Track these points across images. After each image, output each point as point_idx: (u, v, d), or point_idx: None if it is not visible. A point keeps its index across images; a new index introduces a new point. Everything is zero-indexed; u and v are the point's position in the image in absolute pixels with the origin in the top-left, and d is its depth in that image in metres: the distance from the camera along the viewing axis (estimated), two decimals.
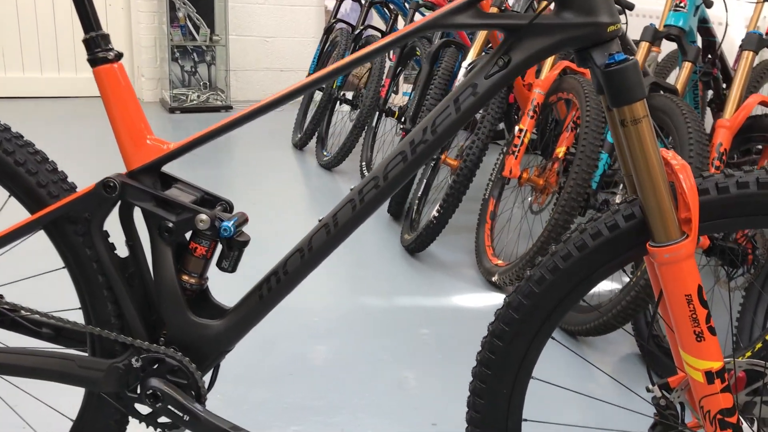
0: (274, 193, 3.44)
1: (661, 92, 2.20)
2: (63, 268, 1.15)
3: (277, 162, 4.01)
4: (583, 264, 1.00)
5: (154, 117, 4.93)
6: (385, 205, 3.14)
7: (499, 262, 2.53)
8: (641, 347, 2.03)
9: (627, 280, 1.99)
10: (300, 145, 4.21)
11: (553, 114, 2.97)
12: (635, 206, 0.97)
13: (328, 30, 4.17)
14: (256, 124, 4.76)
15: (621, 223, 0.98)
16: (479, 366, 1.08)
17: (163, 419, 1.14)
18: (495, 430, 1.09)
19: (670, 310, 0.95)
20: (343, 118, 4.13)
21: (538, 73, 2.74)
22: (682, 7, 2.21)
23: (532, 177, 2.53)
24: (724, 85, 2.62)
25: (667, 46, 2.66)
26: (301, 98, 4.46)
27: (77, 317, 1.17)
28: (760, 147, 2.20)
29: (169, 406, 1.10)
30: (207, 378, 1.17)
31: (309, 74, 4.22)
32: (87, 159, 3.52)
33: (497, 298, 2.40)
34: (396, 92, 4.18)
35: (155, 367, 1.11)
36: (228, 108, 5.23)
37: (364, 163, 3.51)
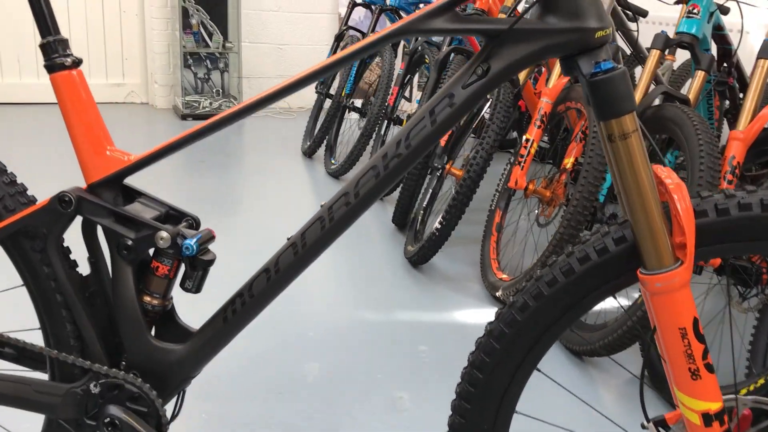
0: (279, 201, 3.38)
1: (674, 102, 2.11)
2: (22, 285, 1.09)
3: (285, 169, 3.95)
4: (570, 290, 0.92)
5: (166, 124, 4.90)
6: (390, 214, 3.07)
7: (504, 276, 2.44)
8: (644, 371, 1.93)
9: (637, 295, 1.90)
10: (309, 153, 4.15)
11: (565, 123, 2.88)
12: (626, 228, 0.88)
13: (339, 37, 4.11)
14: (268, 130, 4.74)
15: (611, 246, 0.90)
16: (458, 399, 1.00)
17: None
18: None
19: (663, 344, 0.86)
20: (351, 126, 4.07)
21: (548, 80, 2.66)
22: (695, 13, 2.11)
23: (538, 189, 2.44)
24: (741, 95, 2.52)
25: (684, 54, 2.56)
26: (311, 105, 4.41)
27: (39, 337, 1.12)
28: None
29: None
30: (173, 404, 1.10)
31: (320, 82, 4.18)
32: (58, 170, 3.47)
33: None
34: (409, 100, 4.10)
35: (115, 393, 1.05)
36: None
37: None
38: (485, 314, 2.33)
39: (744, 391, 1.66)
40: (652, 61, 2.17)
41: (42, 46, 1.00)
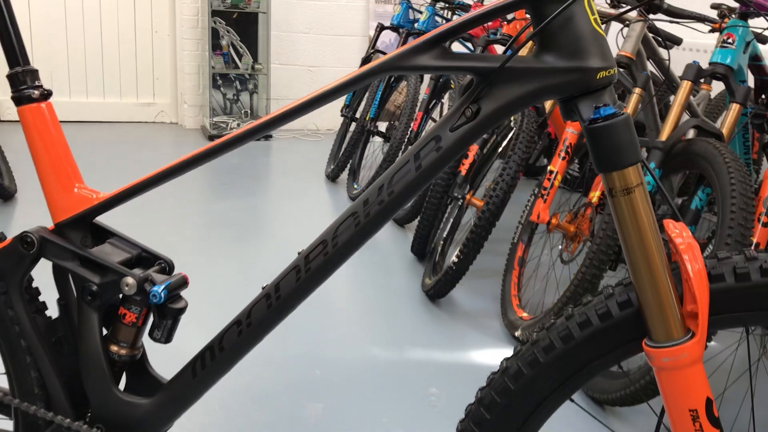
0: (297, 226, 3.32)
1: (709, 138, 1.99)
2: None
3: (308, 193, 3.89)
4: (568, 358, 0.82)
5: (193, 144, 4.90)
6: (409, 243, 2.97)
7: (524, 314, 2.33)
8: None
9: None
10: (332, 177, 4.09)
11: None
12: (632, 291, 0.78)
13: (366, 60, 4.06)
14: (294, 152, 4.67)
15: (614, 311, 0.80)
16: None
17: None
18: None
19: (672, 426, 0.76)
20: (376, 150, 4.00)
21: None
22: (729, 43, 2.00)
23: (562, 223, 2.33)
24: None
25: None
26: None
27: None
28: None
29: None
30: None
31: (345, 105, 4.13)
32: None
33: None
34: None
35: None
36: (268, 137, 5.16)
37: None
38: (502, 355, 2.22)
39: None
40: (683, 92, 2.05)
41: (9, 77, 0.95)
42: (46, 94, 0.97)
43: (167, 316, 0.95)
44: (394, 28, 3.94)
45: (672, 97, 2.33)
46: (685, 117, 2.26)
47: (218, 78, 5.25)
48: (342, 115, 4.15)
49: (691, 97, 2.26)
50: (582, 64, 0.74)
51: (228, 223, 3.31)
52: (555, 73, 0.75)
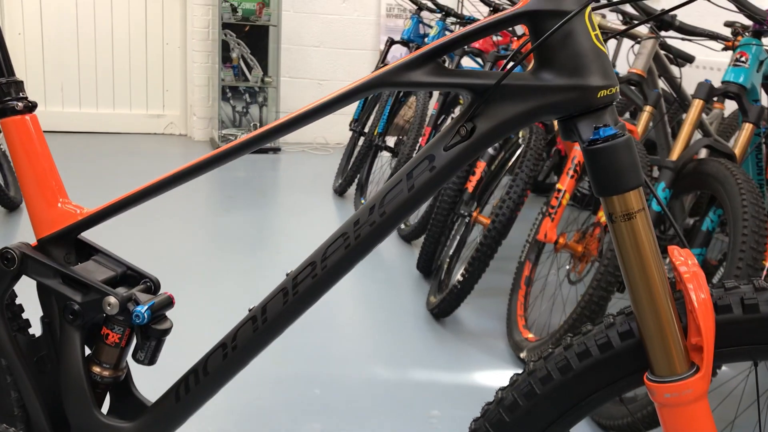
0: (302, 241, 3.29)
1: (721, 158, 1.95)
2: None
3: (314, 208, 3.86)
4: (566, 391, 0.78)
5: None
6: (415, 260, 2.93)
7: (530, 335, 2.28)
8: None
9: None
10: (340, 192, 4.06)
11: None
12: (634, 320, 0.74)
13: None
14: (303, 166, 4.65)
15: (615, 341, 0.76)
16: None
17: None
18: None
19: None
20: (384, 164, 3.97)
21: None
22: (742, 61, 1.95)
23: (569, 243, 2.28)
24: None
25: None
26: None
27: None
28: None
29: None
30: None
31: (354, 119, 4.11)
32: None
33: None
34: None
35: None
36: (276, 150, 5.15)
37: None
38: (508, 377, 2.17)
39: None
40: (695, 111, 2.01)
41: None
42: (31, 106, 0.94)
43: (151, 338, 0.91)
44: (404, 43, 3.92)
45: (684, 115, 2.30)
46: (698, 136, 2.21)
47: (228, 90, 5.25)
48: (350, 130, 4.13)
49: (704, 116, 2.21)
50: (582, 82, 0.70)
51: (232, 236, 3.28)
52: (554, 91, 0.71)
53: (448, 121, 3.55)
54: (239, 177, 4.33)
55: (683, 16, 2.18)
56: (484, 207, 2.67)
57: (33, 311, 1.01)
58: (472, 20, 3.61)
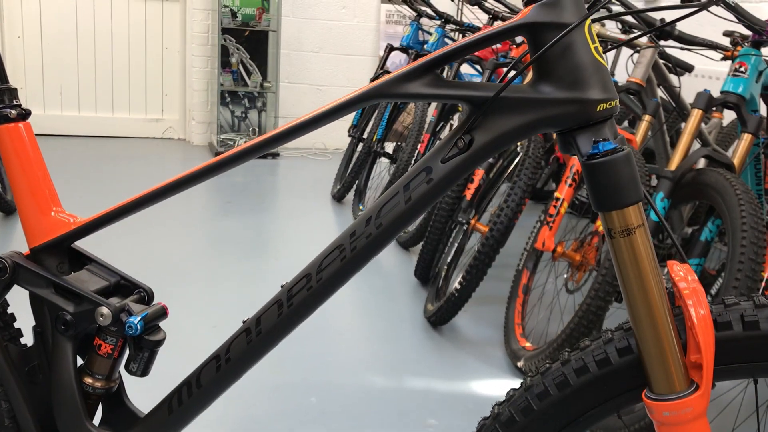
0: (300, 247, 3.28)
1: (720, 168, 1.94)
2: None
3: (313, 214, 3.85)
4: (563, 406, 0.77)
5: (200, 161, 4.87)
6: (413, 267, 2.92)
7: (528, 344, 2.27)
8: None
9: None
10: (338, 197, 4.05)
11: None
12: (632, 336, 0.73)
13: (374, 81, 4.03)
14: (302, 171, 4.62)
15: (613, 357, 0.75)
16: None
17: None
18: None
19: None
20: (382, 171, 3.96)
21: None
22: (741, 72, 1.95)
23: (567, 252, 2.28)
24: None
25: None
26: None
27: None
28: None
29: None
30: None
31: (353, 125, 4.10)
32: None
33: None
34: None
35: None
36: (275, 155, 5.14)
37: None
38: (505, 386, 2.16)
39: None
40: (694, 121, 2.00)
41: None
42: (24, 114, 0.93)
43: (144, 349, 0.90)
44: (403, 49, 3.92)
45: (683, 125, 2.29)
46: (696, 145, 2.21)
47: (227, 95, 5.25)
48: (349, 136, 4.12)
49: (703, 125, 2.21)
50: (581, 95, 0.69)
51: (230, 242, 3.27)
52: (552, 104, 0.71)
53: (447, 127, 3.55)
54: (237, 182, 4.32)
55: (682, 25, 2.18)
56: (483, 214, 2.66)
57: (25, 320, 1.00)
58: (471, 27, 3.61)
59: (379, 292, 2.82)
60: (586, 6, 0.71)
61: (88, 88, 5.14)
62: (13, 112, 0.92)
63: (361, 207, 3.75)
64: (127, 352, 0.93)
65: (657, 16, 2.57)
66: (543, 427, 0.78)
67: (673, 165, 2.00)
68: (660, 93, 2.51)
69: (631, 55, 2.46)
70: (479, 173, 2.60)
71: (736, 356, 0.70)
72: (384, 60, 4.05)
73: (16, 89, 0.93)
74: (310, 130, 0.83)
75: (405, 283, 2.92)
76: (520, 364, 2.20)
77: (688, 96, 2.51)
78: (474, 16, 3.97)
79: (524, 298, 2.44)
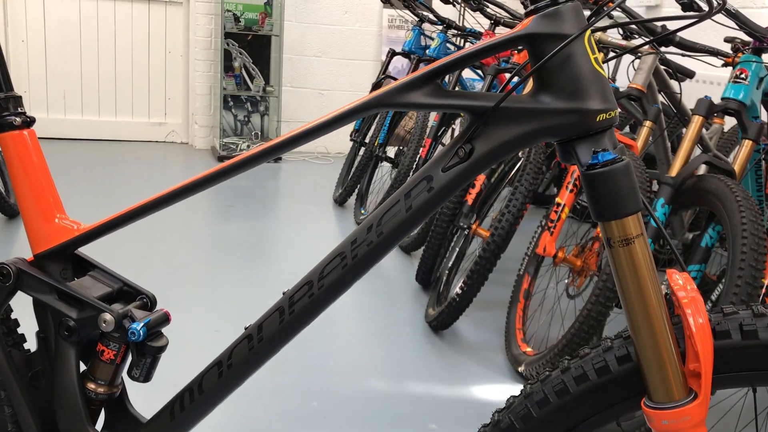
0: (301, 251, 3.28)
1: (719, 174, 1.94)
2: None
3: (313, 218, 3.86)
4: (563, 414, 0.78)
5: (202, 164, 4.89)
6: (414, 271, 2.93)
7: (528, 349, 2.27)
8: None
9: None
10: (340, 201, 4.06)
11: None
12: (632, 345, 0.74)
13: (376, 86, 4.04)
14: (303, 175, 4.64)
15: (613, 365, 0.75)
16: None
17: None
18: None
19: None
20: (384, 175, 3.97)
21: None
22: (742, 78, 1.95)
23: (568, 257, 2.28)
24: None
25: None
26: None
27: None
28: None
29: None
30: None
31: (355, 130, 4.11)
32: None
33: None
34: None
35: None
36: (277, 159, 5.15)
37: None
38: (505, 391, 2.16)
39: None
40: (695, 127, 2.01)
41: None
42: (29, 122, 0.94)
43: (146, 355, 0.91)
44: (405, 54, 3.93)
45: (684, 130, 2.30)
46: (697, 151, 2.21)
47: (230, 99, 5.27)
48: (351, 140, 4.13)
49: (704, 131, 2.21)
50: (581, 105, 0.70)
51: (232, 246, 3.28)
52: (552, 114, 0.71)
53: (449, 132, 3.56)
54: (240, 186, 4.33)
55: (684, 32, 2.19)
56: (484, 219, 2.66)
57: (28, 326, 1.01)
58: (473, 32, 3.62)
59: (380, 296, 2.82)
60: (587, 17, 0.72)
61: (92, 91, 5.16)
62: (18, 119, 0.93)
63: (362, 211, 3.76)
64: (129, 358, 0.93)
65: (657, 22, 2.57)
66: None
67: (674, 171, 2.00)
68: (661, 99, 2.51)
69: (632, 61, 2.46)
70: (481, 178, 2.61)
71: (735, 365, 0.71)
72: (386, 65, 4.06)
73: (20, 97, 0.94)
74: (313, 138, 0.84)
75: (406, 288, 2.93)
76: (521, 369, 2.20)
77: (689, 102, 2.52)
78: (476, 21, 3.98)
79: (525, 303, 2.45)
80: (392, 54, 3.99)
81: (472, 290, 2.32)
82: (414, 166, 3.31)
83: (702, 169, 2.04)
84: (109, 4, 5.07)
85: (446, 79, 3.55)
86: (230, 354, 0.88)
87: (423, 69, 0.77)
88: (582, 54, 0.70)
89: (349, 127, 4.16)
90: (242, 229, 3.54)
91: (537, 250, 2.31)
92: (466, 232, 2.63)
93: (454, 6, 3.80)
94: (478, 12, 3.42)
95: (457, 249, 2.68)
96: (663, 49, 2.30)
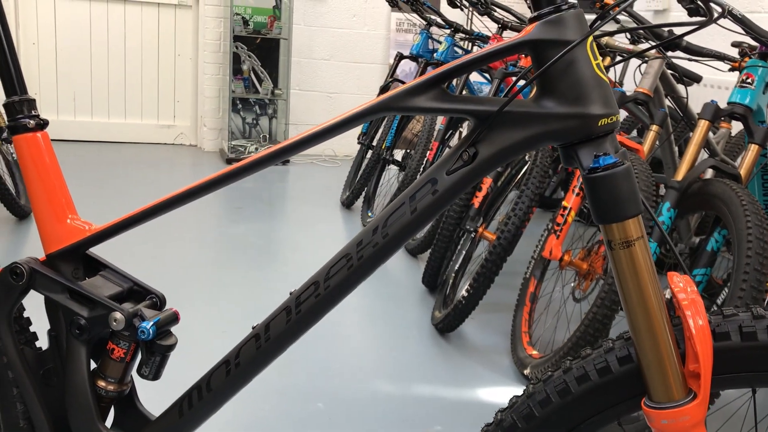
0: (308, 253, 3.30)
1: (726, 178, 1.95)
2: None
3: (320, 221, 3.88)
4: (565, 414, 0.79)
5: (210, 167, 4.92)
6: (420, 274, 2.94)
7: (534, 352, 2.28)
8: None
9: None
10: (347, 204, 4.08)
11: None
12: (633, 346, 0.75)
13: (384, 89, 4.06)
14: (311, 178, 4.67)
15: (614, 366, 0.76)
16: None
17: None
18: None
19: None
20: (391, 178, 3.98)
21: None
22: (749, 83, 1.96)
23: (574, 260, 2.29)
24: None
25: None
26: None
27: None
28: None
29: None
30: None
31: (362, 133, 4.13)
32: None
33: None
34: None
35: None
36: (285, 162, 5.18)
37: None
38: (511, 393, 2.17)
39: None
40: (701, 131, 2.01)
41: (6, 106, 0.94)
42: (42, 124, 0.96)
43: (156, 353, 0.92)
44: (413, 58, 3.94)
45: (690, 134, 2.30)
46: (704, 155, 2.22)
47: (238, 102, 5.30)
48: (359, 143, 4.15)
49: (711, 135, 2.22)
50: (583, 110, 0.71)
51: (240, 248, 3.30)
52: (555, 118, 0.73)
53: (456, 135, 3.57)
54: (248, 188, 4.36)
55: (691, 36, 2.20)
56: (490, 222, 2.67)
57: (40, 324, 1.02)
58: (480, 36, 3.63)
59: (386, 298, 2.83)
60: (591, 22, 0.73)
61: (101, 93, 5.20)
62: (32, 122, 0.95)
63: (369, 214, 3.77)
64: (139, 357, 0.95)
65: (662, 23, 2.58)
66: None
67: (680, 175, 2.01)
68: (668, 103, 2.52)
69: (639, 65, 2.47)
70: (487, 181, 2.62)
71: (735, 366, 0.72)
72: (394, 68, 4.08)
73: (34, 100, 0.96)
74: (320, 141, 0.85)
75: (412, 290, 2.94)
76: (526, 371, 2.21)
77: (695, 106, 2.52)
78: (483, 25, 3.99)
79: (531, 306, 2.45)
80: (400, 57, 4.01)
81: (479, 293, 2.33)
82: (421, 170, 3.32)
83: (708, 173, 2.05)
84: (119, 8, 5.11)
85: (454, 82, 3.56)
86: (238, 353, 0.89)
87: (428, 74, 0.79)
88: (584, 60, 0.72)
89: (357, 130, 4.18)
90: (250, 231, 3.56)
91: (543, 253, 2.32)
92: (472, 235, 2.64)
93: (462, 10, 3.82)
94: (485, 16, 3.43)
95: (464, 252, 2.69)
96: (670, 53, 2.31)
